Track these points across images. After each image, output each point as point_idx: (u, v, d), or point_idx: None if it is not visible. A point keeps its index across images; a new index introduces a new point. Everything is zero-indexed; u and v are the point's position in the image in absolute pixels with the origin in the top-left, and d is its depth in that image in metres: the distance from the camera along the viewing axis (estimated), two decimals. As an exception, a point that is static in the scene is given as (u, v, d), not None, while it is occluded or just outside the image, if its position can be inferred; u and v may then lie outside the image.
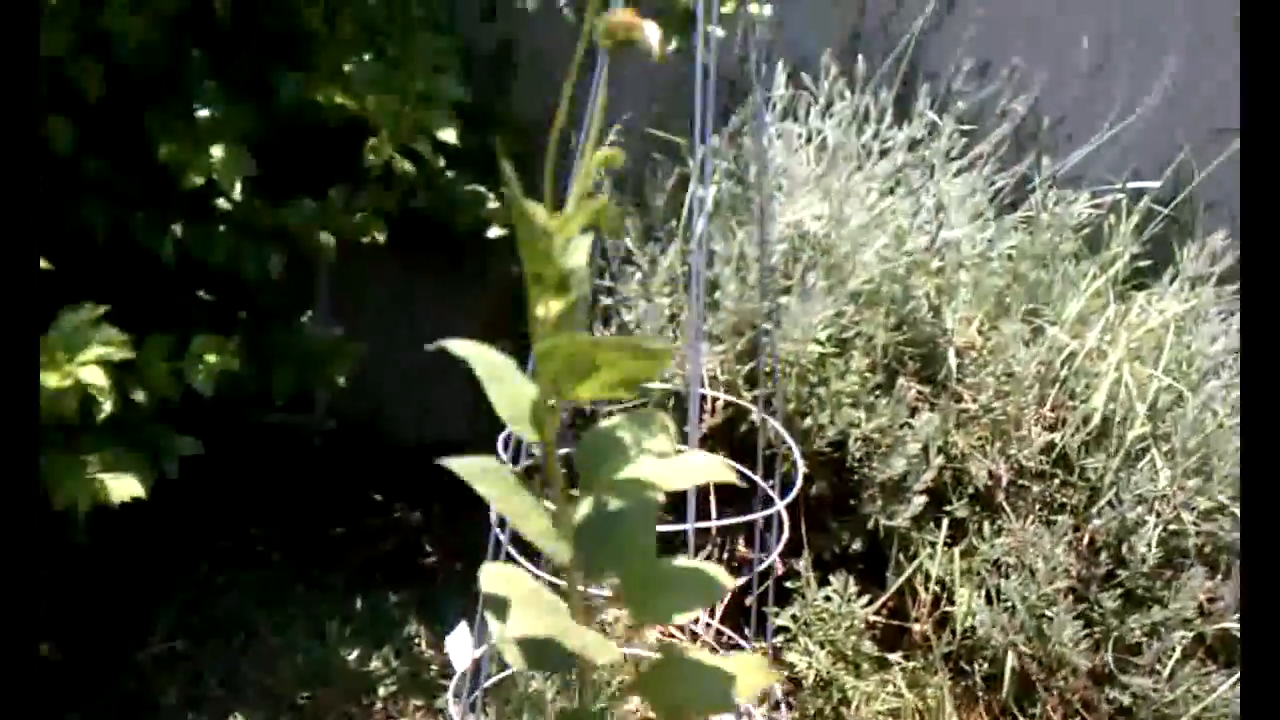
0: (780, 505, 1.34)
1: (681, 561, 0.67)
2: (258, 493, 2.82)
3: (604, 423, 0.66)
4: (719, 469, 0.65)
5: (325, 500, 2.86)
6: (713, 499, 2.02)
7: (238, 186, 1.95)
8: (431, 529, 2.82)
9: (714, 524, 1.56)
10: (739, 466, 1.47)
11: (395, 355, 2.90)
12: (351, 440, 3.00)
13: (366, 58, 2.01)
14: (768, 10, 1.88)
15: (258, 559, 2.68)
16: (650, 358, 0.60)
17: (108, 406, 1.64)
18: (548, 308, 0.63)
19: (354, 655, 2.42)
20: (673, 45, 2.07)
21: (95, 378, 1.62)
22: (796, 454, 1.35)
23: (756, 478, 1.41)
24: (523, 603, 0.60)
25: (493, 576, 0.65)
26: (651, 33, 0.68)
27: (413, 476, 2.92)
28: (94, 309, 1.70)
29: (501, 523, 1.29)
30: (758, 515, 1.35)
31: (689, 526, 0.88)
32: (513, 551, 1.23)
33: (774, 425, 1.44)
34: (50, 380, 1.59)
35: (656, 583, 0.65)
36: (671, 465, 0.64)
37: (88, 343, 1.64)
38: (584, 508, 0.66)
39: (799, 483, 1.33)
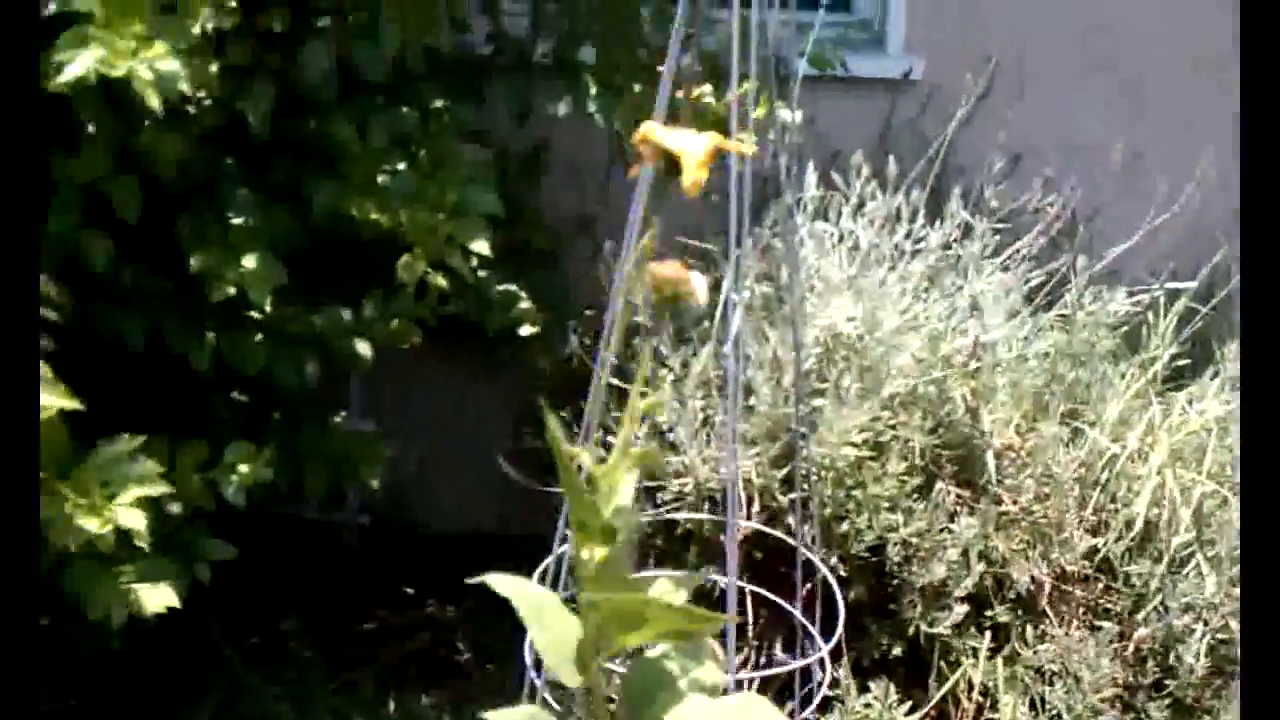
0: (825, 649, 1.31)
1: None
2: (289, 587, 2.81)
3: (651, 652, 0.64)
4: (768, 713, 0.63)
5: (357, 595, 2.83)
6: (748, 599, 2.00)
7: (268, 298, 1.96)
8: (464, 625, 2.78)
9: (759, 674, 1.53)
10: (782, 602, 1.45)
11: (427, 448, 2.89)
12: (383, 533, 2.98)
13: (400, 167, 2.01)
14: (798, 116, 1.88)
15: (289, 656, 2.65)
16: (700, 621, 0.59)
17: (145, 544, 1.63)
18: (592, 553, 0.62)
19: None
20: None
21: (134, 520, 1.62)
22: (837, 590, 1.33)
23: (795, 611, 1.38)
24: None
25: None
26: (699, 284, 0.66)
27: (445, 569, 2.90)
28: (131, 440, 1.70)
29: (538, 665, 1.27)
30: (797, 664, 1.33)
31: (731, 678, 0.86)
32: (548, 698, 1.21)
33: (811, 556, 1.41)
34: (88, 524, 1.59)
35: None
36: (722, 713, 0.62)
37: (125, 479, 1.64)
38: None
39: (839, 628, 1.30)
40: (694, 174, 0.68)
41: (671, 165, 0.69)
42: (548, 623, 0.64)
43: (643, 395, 0.72)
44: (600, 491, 0.63)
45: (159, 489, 1.69)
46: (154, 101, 1.61)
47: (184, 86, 1.64)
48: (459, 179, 2.04)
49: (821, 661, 1.33)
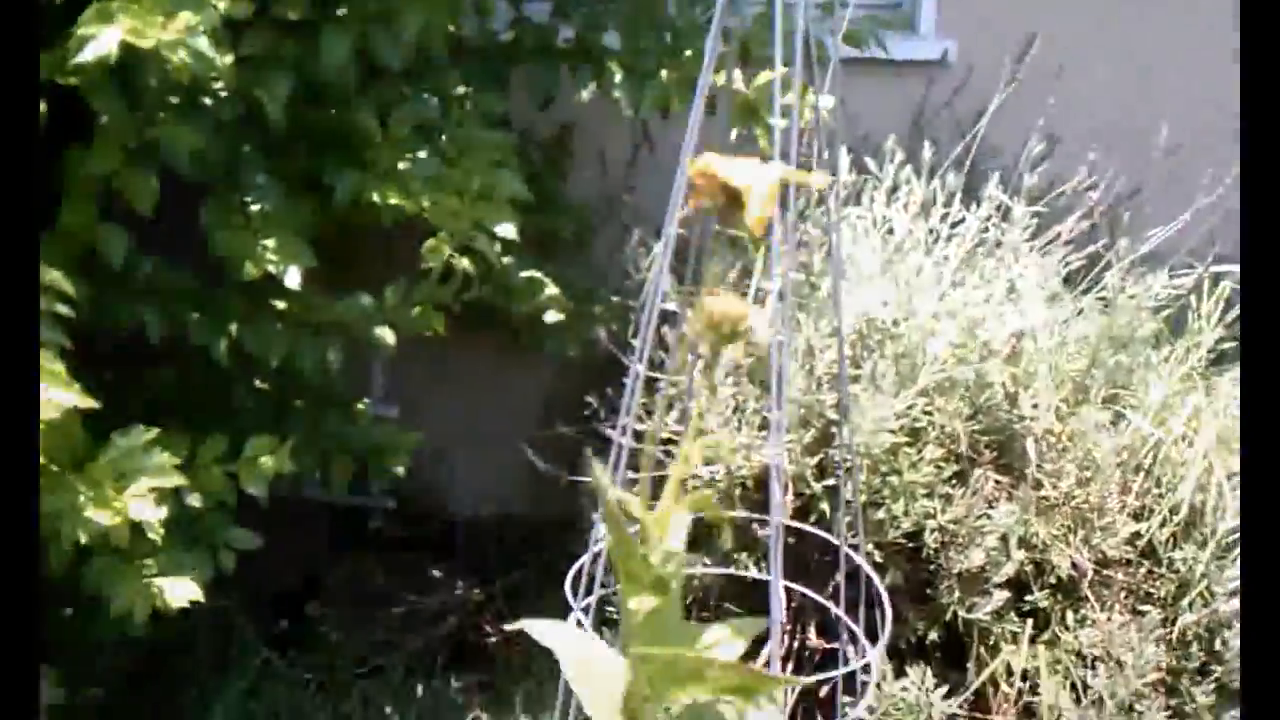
0: (873, 652, 1.28)
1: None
2: (315, 571, 2.79)
3: (703, 697, 0.60)
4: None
5: (384, 578, 2.82)
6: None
7: (296, 274, 1.93)
8: (492, 608, 2.76)
9: (812, 679, 1.50)
10: (829, 604, 1.41)
11: (454, 433, 2.87)
12: (410, 516, 2.96)
13: (422, 154, 1.98)
14: (830, 101, 1.83)
15: (316, 641, 2.64)
16: (759, 683, 0.55)
17: (158, 536, 1.60)
18: (641, 604, 0.58)
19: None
20: (733, 134, 2.04)
21: (146, 513, 1.59)
22: (883, 591, 1.29)
23: (839, 611, 1.35)
24: None
25: None
26: (758, 320, 0.62)
27: (473, 552, 2.88)
28: (146, 431, 1.67)
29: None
30: (839, 673, 1.29)
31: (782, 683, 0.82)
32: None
33: (857, 558, 1.38)
34: (99, 517, 1.56)
35: None
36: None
37: (138, 472, 1.61)
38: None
39: (886, 631, 1.27)
40: (759, 211, 0.62)
41: (732, 199, 0.64)
42: (593, 677, 0.61)
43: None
44: (650, 539, 0.59)
45: (173, 481, 1.67)
46: (182, 58, 1.56)
47: (213, 55, 1.60)
48: (483, 165, 2.00)
49: (868, 665, 1.30)
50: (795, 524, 1.57)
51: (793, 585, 1.43)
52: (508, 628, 0.65)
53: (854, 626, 1.30)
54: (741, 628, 0.56)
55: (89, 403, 1.53)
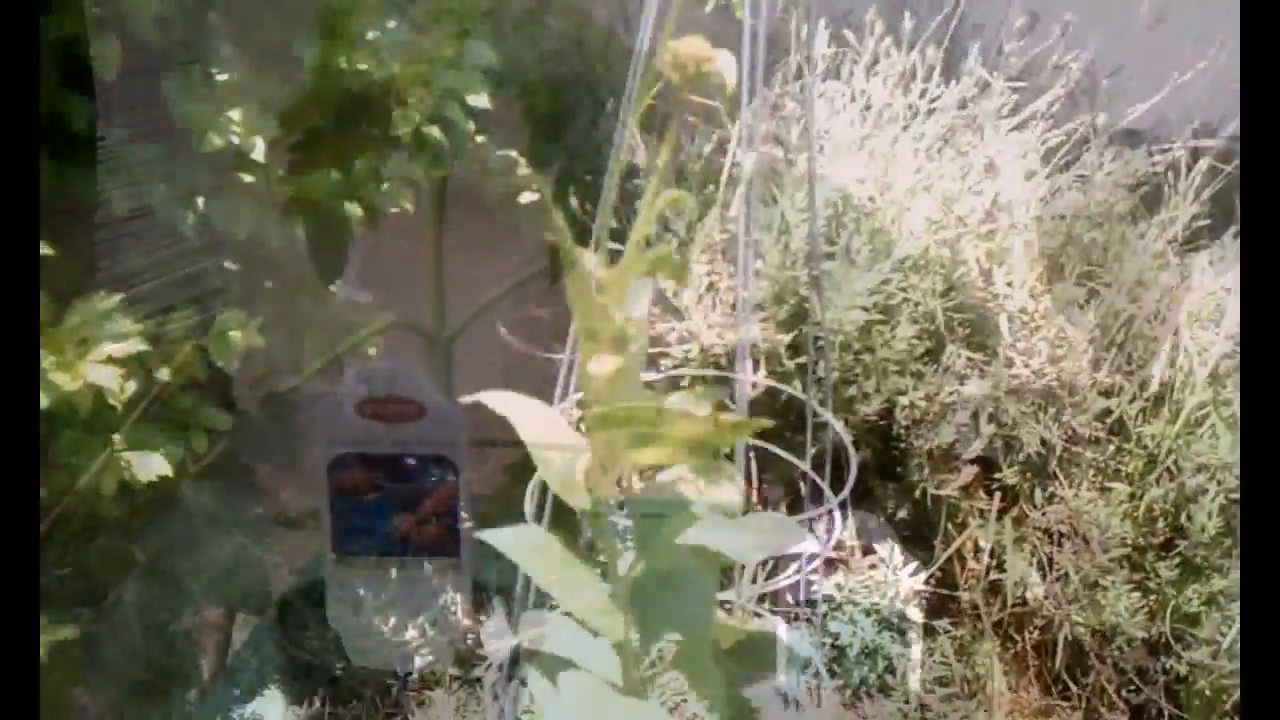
0: (835, 501, 1.29)
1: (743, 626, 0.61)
2: (288, 458, 2.79)
3: (663, 475, 0.60)
4: (790, 530, 0.59)
5: (356, 465, 2.82)
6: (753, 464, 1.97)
7: (260, 145, 1.89)
8: (465, 494, 2.77)
9: (784, 554, 1.50)
10: (791, 457, 1.42)
11: (425, 317, 2.85)
12: (384, 403, 2.95)
13: (391, 24, 1.94)
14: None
15: (289, 526, 2.65)
16: (725, 430, 0.54)
17: (120, 405, 1.59)
18: (601, 365, 0.57)
19: (389, 625, 2.40)
20: (710, 5, 2.00)
21: (106, 378, 1.57)
22: (848, 442, 1.29)
23: (805, 465, 1.35)
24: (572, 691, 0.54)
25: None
26: (727, 65, 0.60)
27: (446, 438, 2.88)
28: (107, 298, 1.65)
29: (538, 515, 1.24)
30: (814, 513, 1.30)
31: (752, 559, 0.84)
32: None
33: (823, 411, 1.38)
34: (61, 380, 1.55)
35: (716, 652, 0.59)
36: (739, 532, 0.58)
37: (100, 337, 1.59)
38: (639, 571, 0.60)
39: (852, 476, 1.27)
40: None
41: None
42: (551, 442, 0.60)
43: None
44: (610, 296, 0.58)
45: (135, 346, 1.65)
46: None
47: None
48: (454, 34, 1.96)
49: (832, 514, 1.31)
50: (767, 381, 1.57)
51: (758, 442, 1.43)
52: (464, 400, 0.65)
53: (819, 480, 1.31)
54: (704, 394, 0.56)
55: (45, 249, 1.50)
